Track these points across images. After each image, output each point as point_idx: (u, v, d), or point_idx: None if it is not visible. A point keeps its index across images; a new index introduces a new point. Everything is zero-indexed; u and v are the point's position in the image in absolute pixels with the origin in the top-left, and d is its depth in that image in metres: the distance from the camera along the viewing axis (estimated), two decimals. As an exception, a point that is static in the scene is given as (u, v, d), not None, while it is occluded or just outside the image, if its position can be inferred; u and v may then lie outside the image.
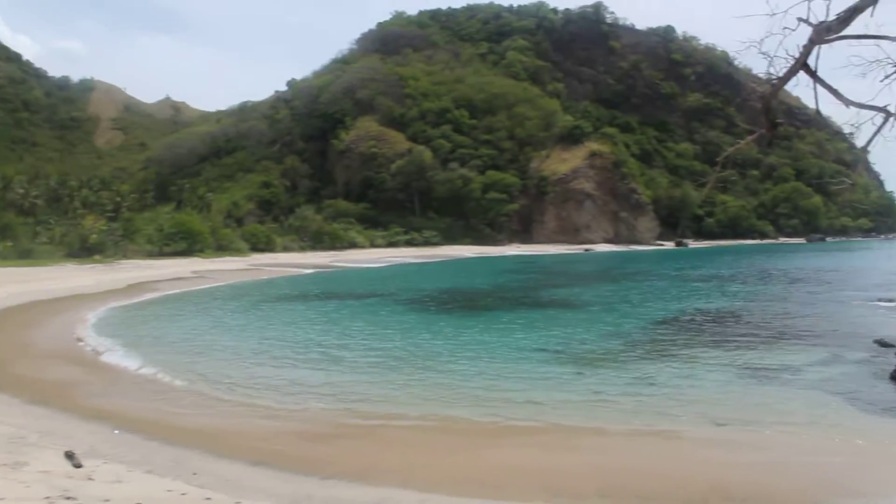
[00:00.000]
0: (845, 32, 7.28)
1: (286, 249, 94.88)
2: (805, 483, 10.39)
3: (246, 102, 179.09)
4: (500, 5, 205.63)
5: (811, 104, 8.13)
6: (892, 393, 15.69)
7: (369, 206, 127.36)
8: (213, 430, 13.17)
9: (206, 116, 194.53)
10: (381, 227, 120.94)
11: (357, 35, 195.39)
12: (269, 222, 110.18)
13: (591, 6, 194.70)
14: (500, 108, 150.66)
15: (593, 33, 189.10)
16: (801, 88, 8.13)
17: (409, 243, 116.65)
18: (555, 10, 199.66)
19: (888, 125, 7.52)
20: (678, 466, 11.14)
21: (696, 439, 12.56)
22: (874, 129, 7.71)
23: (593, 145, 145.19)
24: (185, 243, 76.13)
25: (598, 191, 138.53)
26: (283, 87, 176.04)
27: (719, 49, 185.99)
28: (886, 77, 7.35)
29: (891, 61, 7.29)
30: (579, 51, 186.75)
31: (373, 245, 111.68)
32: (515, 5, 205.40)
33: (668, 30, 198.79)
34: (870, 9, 7.07)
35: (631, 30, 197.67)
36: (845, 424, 13.18)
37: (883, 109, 7.53)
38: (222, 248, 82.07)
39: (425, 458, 11.72)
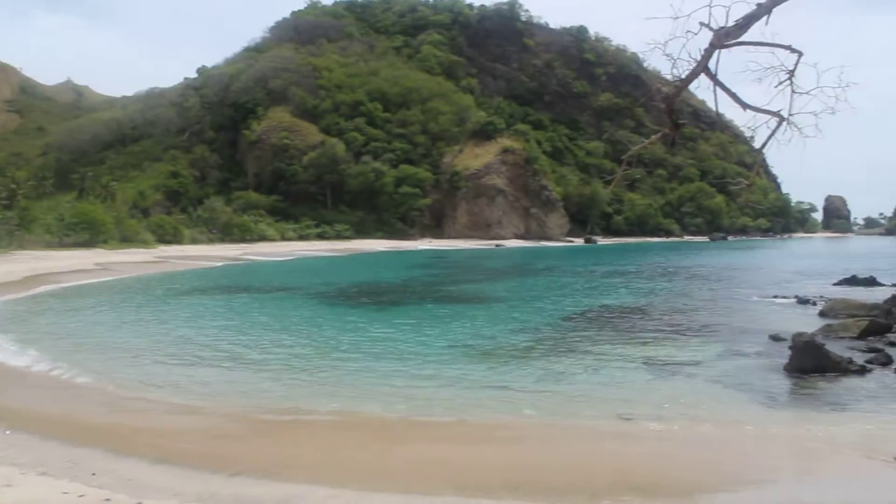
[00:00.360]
0: (743, 39, 7.58)
1: (194, 241, 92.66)
2: (703, 471, 10.81)
3: (153, 89, 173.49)
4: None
5: (711, 105, 8.47)
6: (785, 384, 16.47)
7: (280, 199, 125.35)
8: (114, 429, 12.77)
9: (110, 102, 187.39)
10: (293, 220, 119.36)
11: (270, 23, 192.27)
12: (176, 213, 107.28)
13: (506, 3, 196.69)
14: (414, 103, 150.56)
15: (508, 30, 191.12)
16: (705, 92, 8.44)
17: (321, 237, 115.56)
18: (470, 6, 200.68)
19: (781, 129, 7.86)
20: (584, 459, 11.42)
21: (601, 432, 12.87)
22: (769, 132, 8.06)
23: (506, 142, 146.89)
24: (88, 234, 73.32)
25: (510, 187, 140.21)
26: (193, 74, 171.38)
27: (630, 51, 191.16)
28: (780, 83, 7.67)
29: (784, 68, 7.63)
30: (494, 47, 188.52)
31: (283, 238, 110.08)
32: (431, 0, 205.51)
33: (581, 30, 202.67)
34: (765, 17, 7.37)
35: (545, 28, 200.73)
36: (742, 415, 13.75)
37: (776, 114, 7.87)
38: (127, 240, 79.39)
39: (335, 453, 11.66)
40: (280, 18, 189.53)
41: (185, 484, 9.63)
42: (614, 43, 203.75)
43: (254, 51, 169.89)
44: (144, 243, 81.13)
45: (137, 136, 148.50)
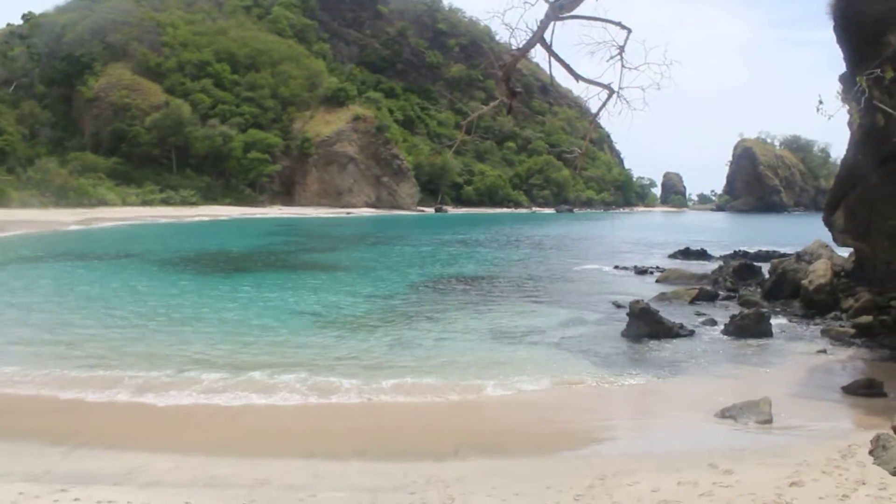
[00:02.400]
0: (577, 12, 8.12)
1: (24, 205, 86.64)
2: (545, 431, 11.71)
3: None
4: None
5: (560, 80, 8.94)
6: (622, 348, 17.89)
7: (121, 161, 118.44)
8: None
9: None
10: (135, 185, 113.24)
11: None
12: (3, 174, 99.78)
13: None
14: (264, 65, 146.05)
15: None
16: (543, 63, 8.88)
17: (165, 202, 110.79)
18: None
19: (612, 101, 8.52)
20: (433, 423, 12.09)
21: (450, 398, 13.53)
22: (600, 103, 8.72)
23: (357, 109, 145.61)
24: None
25: (361, 155, 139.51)
26: (18, 21, 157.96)
27: (482, 23, 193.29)
28: (611, 58, 8.32)
29: (615, 44, 8.26)
30: (347, 12, 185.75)
31: (125, 203, 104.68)
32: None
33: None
34: None
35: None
36: (582, 379, 14.83)
37: (607, 87, 8.54)
38: (-61, 201, 73.36)
39: (181, 423, 11.72)
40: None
41: (15, 462, 9.39)
42: (468, 14, 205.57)
43: (89, 0, 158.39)
44: (-39, 206, 75.20)
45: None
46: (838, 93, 14.05)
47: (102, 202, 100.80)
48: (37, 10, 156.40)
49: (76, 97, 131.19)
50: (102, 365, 15.17)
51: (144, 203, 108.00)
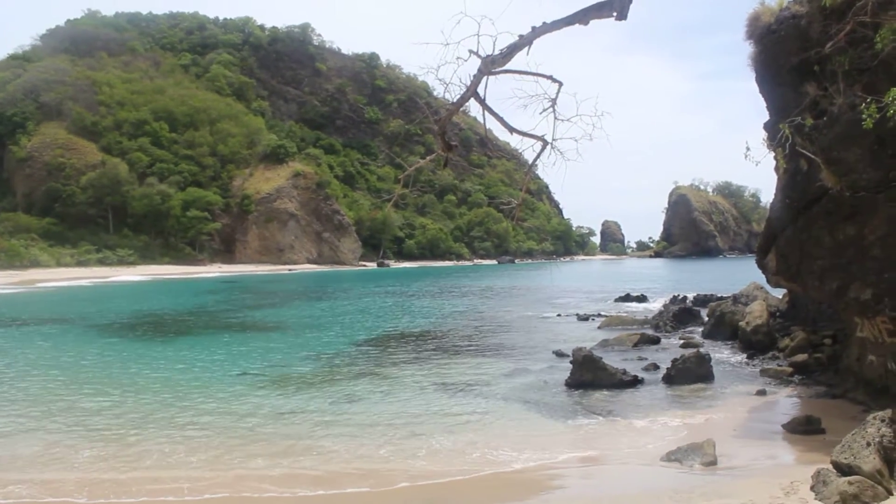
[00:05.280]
0: (508, 67, 8.37)
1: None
2: (495, 483, 11.60)
3: None
4: (205, 16, 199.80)
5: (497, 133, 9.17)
6: (566, 398, 17.90)
7: (56, 222, 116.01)
8: None
9: None
10: (70, 245, 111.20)
11: (42, 30, 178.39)
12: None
13: (299, 26, 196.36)
14: (203, 123, 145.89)
15: (300, 53, 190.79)
16: (479, 116, 9.13)
17: (102, 262, 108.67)
18: (262, 27, 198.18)
19: (546, 152, 8.74)
20: (381, 478, 11.86)
21: (397, 451, 13.33)
22: (534, 154, 8.95)
23: (297, 165, 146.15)
24: None
25: (302, 211, 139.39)
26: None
27: (420, 79, 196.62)
28: (544, 110, 8.55)
29: (547, 97, 8.50)
30: (285, 70, 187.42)
31: (59, 264, 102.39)
32: (221, 18, 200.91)
33: (373, 56, 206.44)
34: (526, 48, 8.19)
35: (337, 53, 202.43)
36: (528, 431, 14.77)
37: (540, 138, 8.75)
38: None
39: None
40: (53, 26, 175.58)
41: None
42: (405, 71, 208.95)
43: (21, 59, 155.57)
44: None
45: None
46: (764, 140, 14.63)
47: (35, 263, 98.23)
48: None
49: (7, 157, 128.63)
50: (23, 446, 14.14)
51: (80, 264, 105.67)
